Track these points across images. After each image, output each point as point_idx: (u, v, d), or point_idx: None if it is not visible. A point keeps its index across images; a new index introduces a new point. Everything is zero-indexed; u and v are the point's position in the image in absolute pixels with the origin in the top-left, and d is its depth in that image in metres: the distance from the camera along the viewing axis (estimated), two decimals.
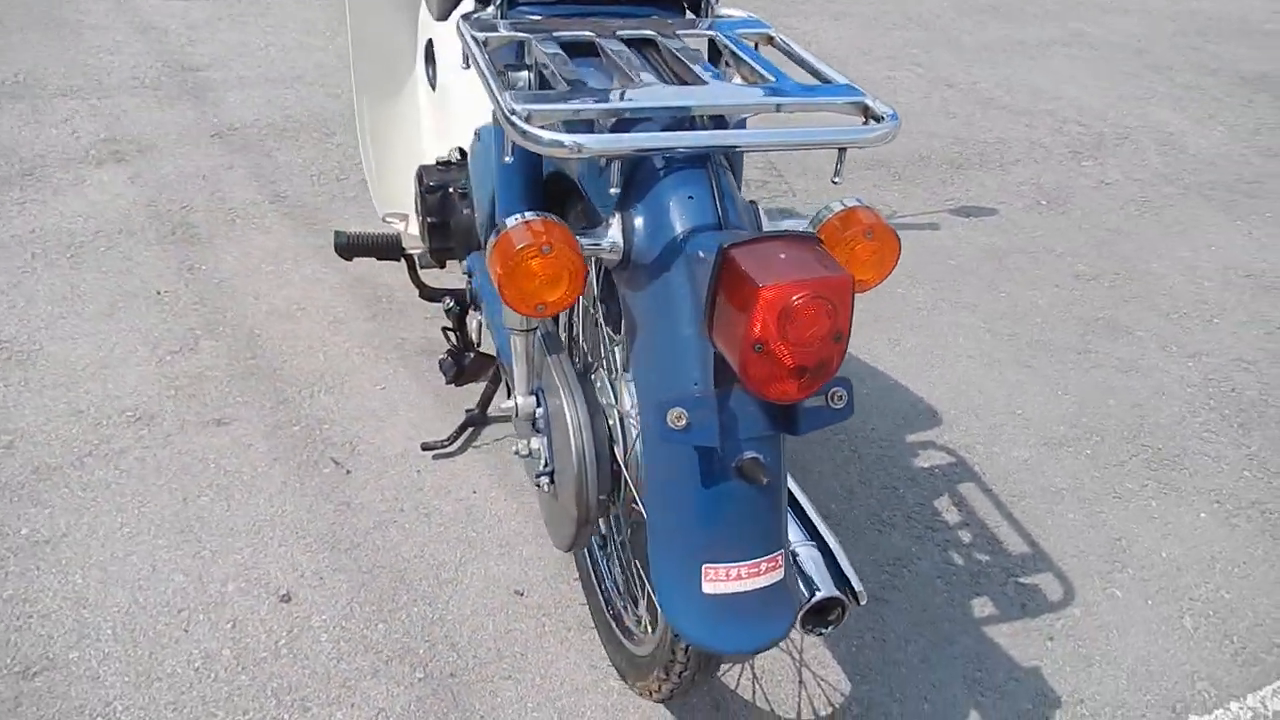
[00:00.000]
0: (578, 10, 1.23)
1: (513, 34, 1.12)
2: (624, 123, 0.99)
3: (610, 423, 1.17)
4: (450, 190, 1.69)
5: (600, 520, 1.22)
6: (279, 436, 1.79)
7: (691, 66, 1.06)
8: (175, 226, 2.40)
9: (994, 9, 4.77)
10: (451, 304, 1.73)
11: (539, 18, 1.20)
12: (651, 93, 0.97)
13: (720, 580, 0.94)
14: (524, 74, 1.15)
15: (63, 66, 3.20)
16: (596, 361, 1.30)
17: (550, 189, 1.30)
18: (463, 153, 1.77)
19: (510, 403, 1.29)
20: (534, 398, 1.26)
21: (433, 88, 1.98)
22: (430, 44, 1.95)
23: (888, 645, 1.51)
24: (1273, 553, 1.74)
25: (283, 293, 2.19)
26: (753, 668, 1.44)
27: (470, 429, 1.83)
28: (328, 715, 1.33)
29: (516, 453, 1.28)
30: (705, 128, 1.00)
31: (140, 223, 2.40)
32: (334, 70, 3.34)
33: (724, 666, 1.42)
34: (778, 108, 0.98)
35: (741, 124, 1.10)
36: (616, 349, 1.23)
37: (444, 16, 1.35)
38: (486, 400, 1.83)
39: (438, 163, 1.75)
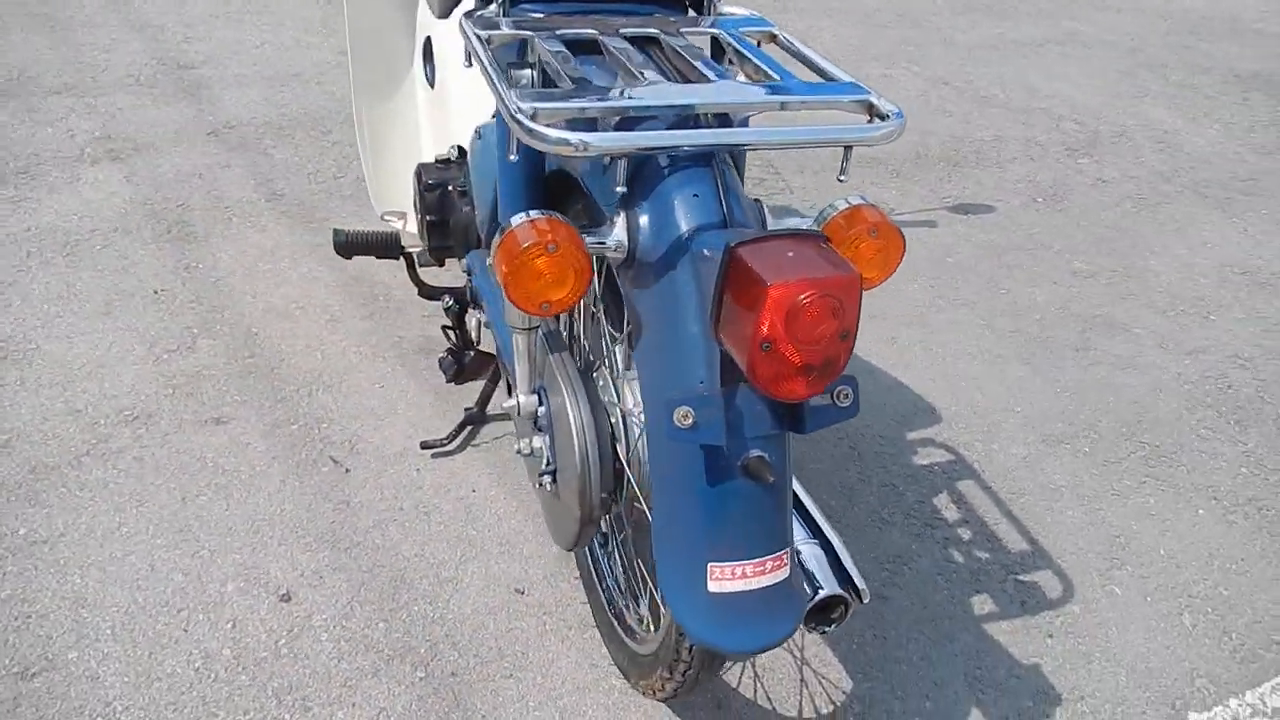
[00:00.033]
0: (579, 8, 1.23)
1: (516, 32, 1.11)
2: (628, 121, 0.99)
3: (612, 421, 1.17)
4: (449, 188, 1.69)
5: (602, 519, 1.22)
6: (277, 435, 1.79)
7: (696, 64, 1.06)
8: (172, 225, 2.39)
9: (987, 7, 4.78)
10: (451, 302, 1.73)
11: (541, 15, 1.19)
12: (657, 91, 0.96)
13: (726, 579, 0.94)
14: (527, 72, 1.15)
15: (57, 64, 3.18)
16: (598, 360, 1.30)
17: (551, 187, 1.29)
18: (461, 150, 1.77)
19: (512, 401, 1.29)
20: (536, 396, 1.26)
21: (431, 86, 1.97)
22: (428, 42, 1.95)
23: (888, 643, 1.51)
24: (1270, 549, 1.75)
25: (280, 291, 2.18)
26: (754, 666, 1.44)
27: (469, 427, 1.83)
28: (329, 715, 1.33)
29: (518, 451, 1.28)
30: (709, 126, 1.00)
31: (137, 221, 2.39)
32: (331, 68, 3.33)
33: (725, 665, 1.42)
34: (783, 106, 0.98)
35: (744, 122, 1.10)
36: (617, 347, 1.23)
37: (445, 14, 1.35)
38: (486, 399, 1.82)
39: (436, 161, 1.74)
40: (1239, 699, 1.48)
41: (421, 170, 1.71)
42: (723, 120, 1.02)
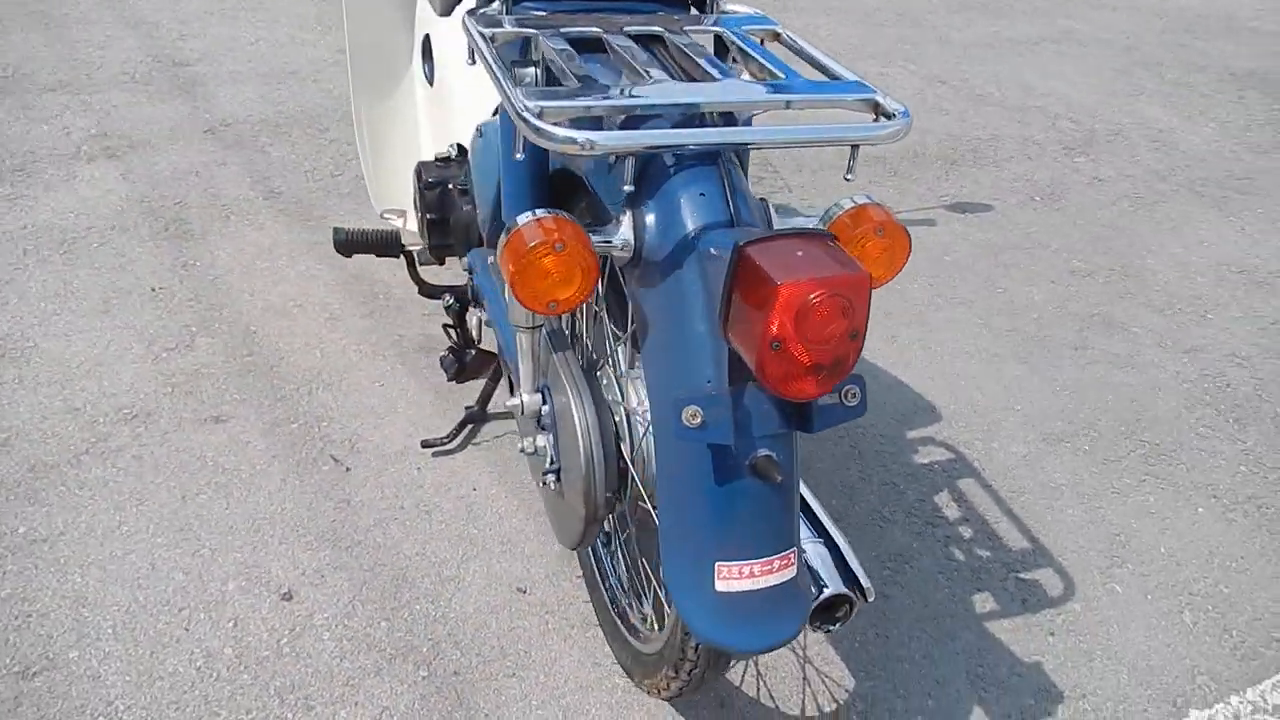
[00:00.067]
0: (582, 6, 1.22)
1: (519, 30, 1.11)
2: (634, 119, 0.99)
3: (616, 420, 1.17)
4: (449, 186, 1.68)
5: (606, 518, 1.22)
6: (277, 434, 1.78)
7: (701, 63, 1.05)
8: (169, 223, 2.38)
9: (983, 6, 4.78)
10: (451, 301, 1.72)
11: (543, 13, 1.19)
12: (663, 89, 0.96)
13: (733, 578, 0.94)
14: (531, 70, 1.15)
15: (52, 61, 3.17)
16: (601, 358, 1.30)
17: (555, 185, 1.29)
18: (461, 148, 1.77)
19: (515, 400, 1.28)
20: (539, 395, 1.25)
21: (430, 84, 1.97)
22: (427, 39, 1.94)
23: (891, 641, 1.51)
24: (1269, 547, 1.76)
25: (278, 289, 2.18)
26: (757, 665, 1.44)
27: (470, 426, 1.83)
28: (332, 714, 1.33)
29: (522, 450, 1.28)
30: (714, 124, 1.00)
31: (133, 219, 2.38)
32: (327, 65, 3.32)
33: (730, 663, 1.42)
34: (788, 104, 0.98)
35: (748, 121, 1.10)
36: (620, 346, 1.23)
37: (447, 12, 1.34)
38: (486, 397, 1.82)
39: (436, 159, 1.74)
40: (1240, 696, 1.48)
41: (421, 168, 1.70)
42: (728, 119, 1.02)
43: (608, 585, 1.42)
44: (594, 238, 0.97)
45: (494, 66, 0.99)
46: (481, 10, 1.16)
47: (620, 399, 1.19)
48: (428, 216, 1.69)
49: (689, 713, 1.37)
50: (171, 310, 2.07)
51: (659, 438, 0.99)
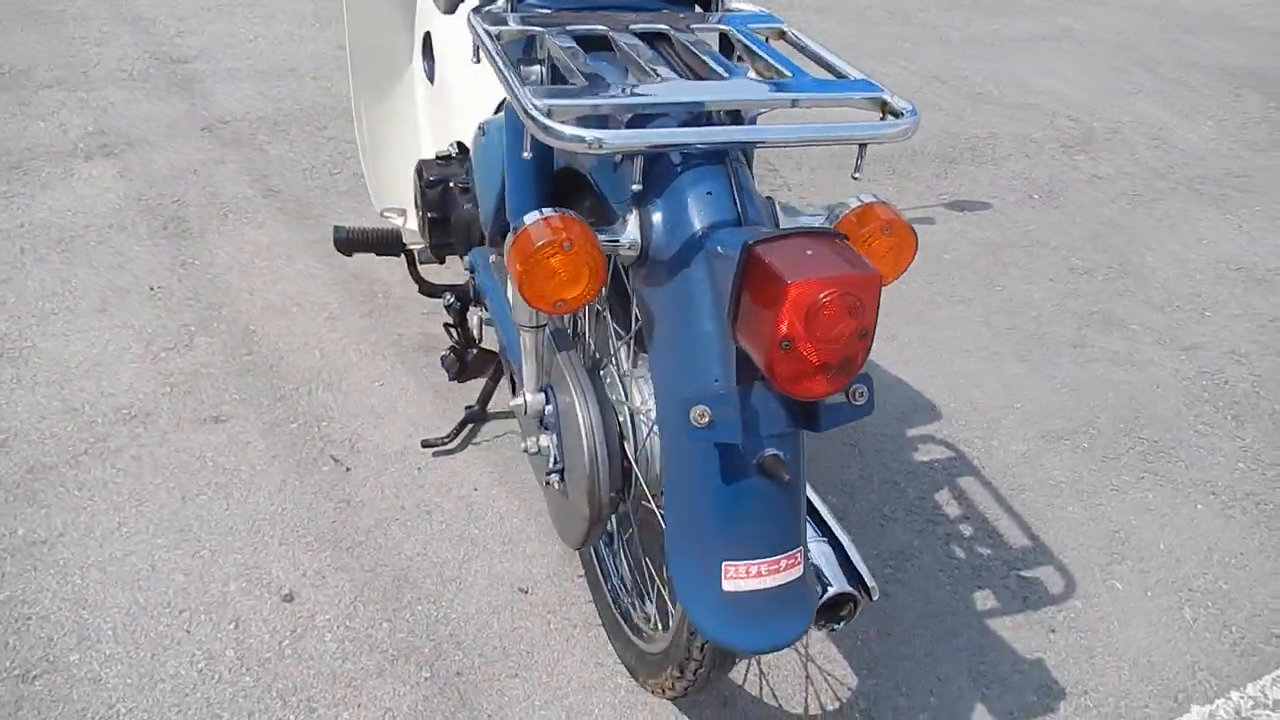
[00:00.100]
0: (586, 3, 1.22)
1: (525, 28, 1.11)
2: (640, 118, 0.98)
3: (620, 419, 1.16)
4: (451, 184, 1.68)
5: (610, 517, 1.22)
6: (277, 434, 1.78)
7: (707, 61, 1.05)
8: (167, 221, 2.37)
9: (975, 3, 4.78)
10: (452, 300, 1.72)
11: (548, 11, 1.19)
12: (671, 87, 0.96)
13: (741, 577, 0.94)
14: (536, 68, 1.14)
15: (48, 58, 3.15)
16: (604, 358, 1.30)
17: (558, 183, 1.28)
18: (461, 146, 1.76)
19: (518, 400, 1.28)
20: (543, 395, 1.25)
21: (430, 82, 1.96)
22: (427, 37, 1.93)
23: (893, 639, 1.51)
24: (1268, 544, 1.76)
25: (277, 288, 2.17)
26: (759, 663, 1.44)
27: (470, 426, 1.82)
28: (334, 716, 1.32)
29: (525, 450, 1.27)
30: (721, 123, 1.00)
31: (131, 217, 2.37)
32: (325, 62, 3.31)
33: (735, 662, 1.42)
34: (794, 103, 0.98)
35: (753, 119, 1.10)
36: (623, 345, 1.22)
37: (451, 10, 1.34)
38: (486, 397, 1.82)
39: (437, 157, 1.73)
40: (1240, 692, 1.49)
41: (422, 166, 1.70)
42: (734, 117, 1.01)
43: (610, 585, 1.41)
44: (601, 237, 0.97)
45: (501, 64, 0.98)
46: (486, 8, 1.15)
47: (624, 398, 1.19)
48: (429, 215, 1.69)
49: (692, 712, 1.37)
50: (170, 309, 2.07)
51: (666, 437, 0.99)
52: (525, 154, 0.94)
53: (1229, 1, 5.24)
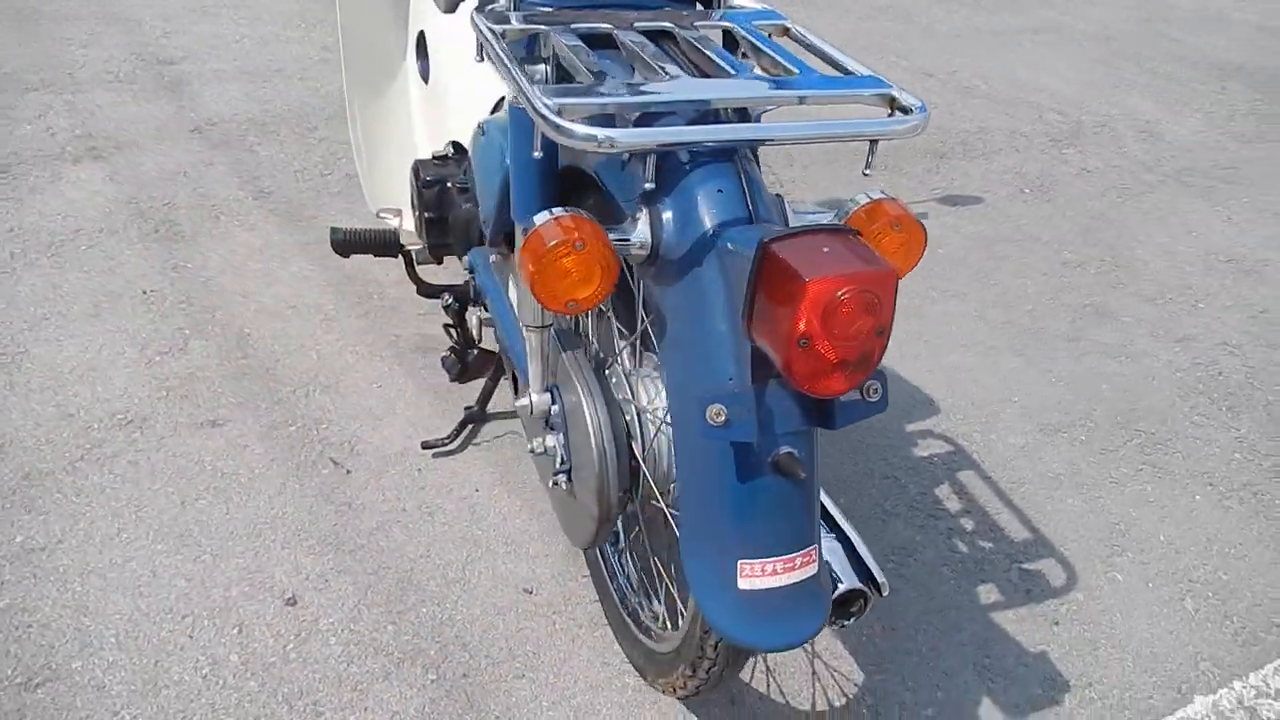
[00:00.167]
0: (588, 2, 1.21)
1: (530, 26, 1.10)
2: (648, 116, 0.98)
3: (627, 418, 1.16)
4: (448, 184, 1.67)
5: (619, 516, 1.21)
6: (275, 437, 1.77)
7: (713, 58, 1.05)
8: (158, 224, 2.35)
9: None
10: (451, 300, 1.71)
11: (551, 9, 1.18)
12: (680, 85, 0.95)
13: (756, 576, 0.94)
14: (540, 67, 1.14)
15: (33, 60, 3.12)
16: (609, 357, 1.29)
17: (561, 182, 1.28)
18: (457, 146, 1.75)
19: (522, 400, 1.27)
20: (548, 395, 1.24)
21: (425, 81, 1.95)
22: (421, 36, 1.92)
23: (898, 634, 1.52)
24: (1266, 534, 1.77)
25: (271, 290, 2.15)
26: (766, 661, 1.44)
27: (470, 426, 1.82)
28: None
29: (530, 451, 1.27)
30: (728, 120, 0.99)
31: (122, 221, 2.34)
32: (313, 63, 3.29)
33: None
34: (802, 100, 0.97)
35: (758, 117, 1.09)
36: (627, 345, 1.22)
37: (451, 9, 1.33)
38: (486, 397, 1.81)
39: (434, 157, 1.72)
40: (1242, 681, 1.50)
41: (419, 167, 1.69)
42: (742, 115, 1.01)
43: (617, 585, 1.41)
44: (611, 236, 0.96)
45: (507, 63, 0.98)
46: (489, 7, 1.15)
47: (630, 397, 1.19)
48: (426, 215, 1.67)
49: (700, 710, 1.37)
50: (164, 313, 2.05)
51: (680, 436, 0.99)
52: (536, 153, 0.94)
53: None
